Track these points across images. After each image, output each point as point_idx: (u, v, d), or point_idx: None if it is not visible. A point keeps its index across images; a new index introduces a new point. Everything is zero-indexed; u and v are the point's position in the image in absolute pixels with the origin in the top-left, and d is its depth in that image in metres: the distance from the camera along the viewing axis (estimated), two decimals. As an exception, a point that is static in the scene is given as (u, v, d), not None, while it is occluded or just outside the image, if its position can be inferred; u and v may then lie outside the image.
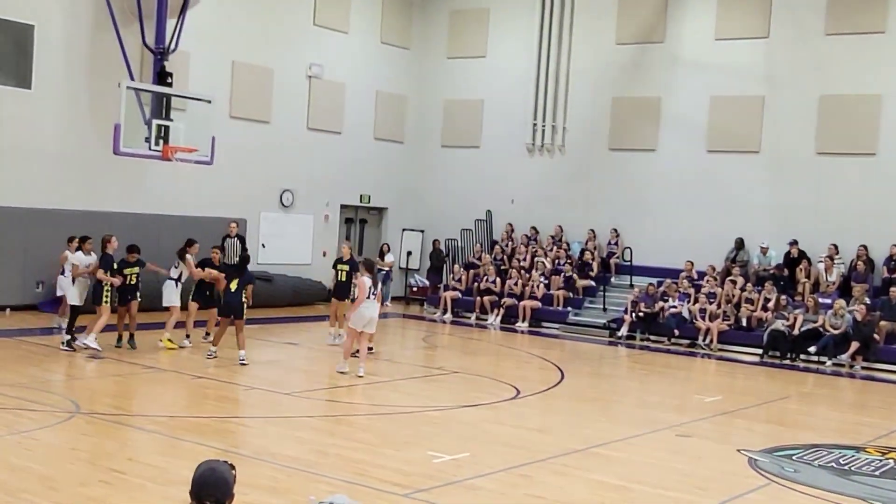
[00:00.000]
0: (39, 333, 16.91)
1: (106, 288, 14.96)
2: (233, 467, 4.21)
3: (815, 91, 21.95)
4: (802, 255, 21.58)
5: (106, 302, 14.97)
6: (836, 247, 21.17)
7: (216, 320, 16.07)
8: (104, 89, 19.40)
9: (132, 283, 15.47)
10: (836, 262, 21.07)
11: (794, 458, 10.87)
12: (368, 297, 14.18)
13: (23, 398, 11.46)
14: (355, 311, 14.30)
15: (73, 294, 15.30)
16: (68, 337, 15.10)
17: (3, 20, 18.77)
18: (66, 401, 11.43)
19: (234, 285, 14.87)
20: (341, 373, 14.29)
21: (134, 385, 13.16)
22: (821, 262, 21.25)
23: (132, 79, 19.04)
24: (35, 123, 19.35)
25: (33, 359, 14.31)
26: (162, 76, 19.19)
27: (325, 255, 25.51)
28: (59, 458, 9.10)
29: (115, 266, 15.22)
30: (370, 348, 15.86)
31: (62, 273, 16.36)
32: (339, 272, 17.41)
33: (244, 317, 14.86)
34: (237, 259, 16.90)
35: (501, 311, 23.18)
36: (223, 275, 15.75)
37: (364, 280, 14.22)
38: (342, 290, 17.20)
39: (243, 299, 14.79)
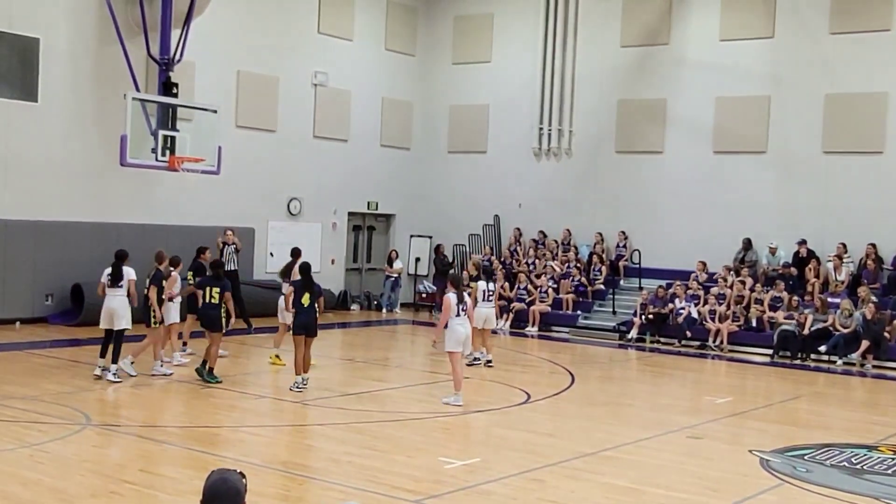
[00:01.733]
0: (49, 346, 16.95)
1: (153, 309, 14.04)
2: (244, 476, 4.21)
3: (821, 90, 21.90)
4: (811, 254, 21.52)
5: (155, 324, 14.08)
6: (844, 245, 21.12)
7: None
8: (110, 101, 19.47)
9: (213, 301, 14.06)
10: (845, 260, 21.01)
11: (806, 458, 10.83)
12: (458, 315, 12.95)
13: (34, 411, 11.48)
14: (449, 334, 12.95)
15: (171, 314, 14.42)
16: (169, 360, 14.25)
17: (9, 34, 18.84)
18: (76, 413, 11.45)
19: (306, 300, 13.37)
20: (456, 405, 12.92)
21: (144, 396, 13.16)
22: (830, 261, 21.20)
23: (138, 90, 19.10)
24: (42, 136, 19.41)
25: (44, 372, 14.32)
26: (167, 87, 19.24)
27: (333, 262, 25.54)
28: (71, 471, 9.11)
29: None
30: (477, 359, 16.37)
31: (170, 299, 14.62)
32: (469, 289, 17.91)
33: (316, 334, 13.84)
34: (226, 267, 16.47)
35: (511, 315, 23.16)
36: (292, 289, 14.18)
37: (450, 297, 12.95)
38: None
39: (317, 314, 13.60)
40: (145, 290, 14.25)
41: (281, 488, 8.74)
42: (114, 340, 13.62)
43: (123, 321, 13.60)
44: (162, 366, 14.36)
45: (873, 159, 21.40)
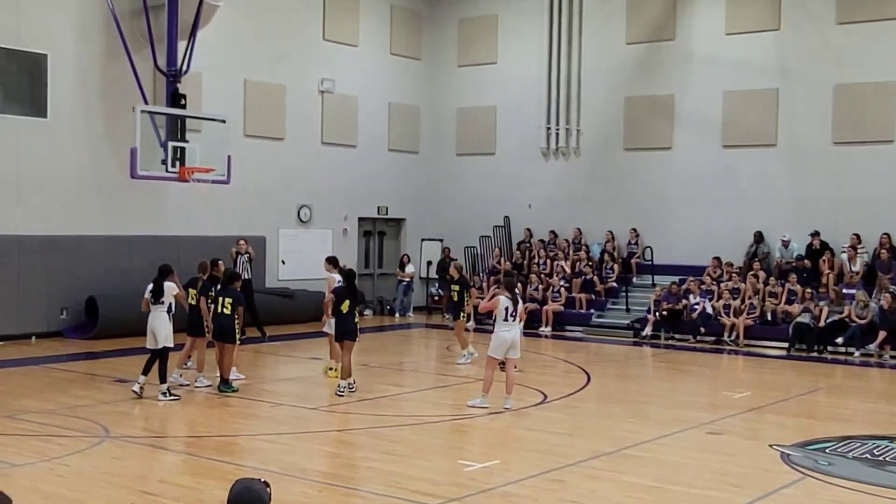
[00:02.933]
0: (66, 360, 16.99)
1: (205, 320, 13.98)
2: (268, 485, 4.20)
3: (829, 81, 21.83)
4: (825, 246, 21.44)
5: (207, 333, 14.01)
6: (858, 236, 21.03)
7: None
8: (119, 114, 19.52)
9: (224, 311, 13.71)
10: (859, 251, 20.92)
11: (827, 451, 10.77)
12: (506, 320, 12.72)
13: (52, 424, 11.50)
14: (493, 339, 12.82)
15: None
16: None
17: (17, 51, 18.91)
18: (95, 426, 11.46)
19: (345, 307, 13.63)
20: (481, 407, 12.81)
21: (161, 407, 13.15)
22: (844, 252, 21.11)
23: (146, 102, 19.18)
24: (52, 151, 19.46)
25: (61, 385, 14.35)
26: (175, 98, 19.31)
27: (345, 268, 25.49)
28: (91, 483, 9.11)
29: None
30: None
31: None
32: (452, 292, 18.06)
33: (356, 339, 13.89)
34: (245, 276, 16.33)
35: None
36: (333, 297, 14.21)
37: (501, 299, 12.74)
38: (454, 310, 17.99)
39: (357, 320, 13.78)
40: (194, 301, 14.15)
41: (300, 496, 8.73)
42: (159, 360, 13.20)
43: (164, 340, 13.20)
44: (181, 376, 14.36)
45: (884, 149, 21.31)
